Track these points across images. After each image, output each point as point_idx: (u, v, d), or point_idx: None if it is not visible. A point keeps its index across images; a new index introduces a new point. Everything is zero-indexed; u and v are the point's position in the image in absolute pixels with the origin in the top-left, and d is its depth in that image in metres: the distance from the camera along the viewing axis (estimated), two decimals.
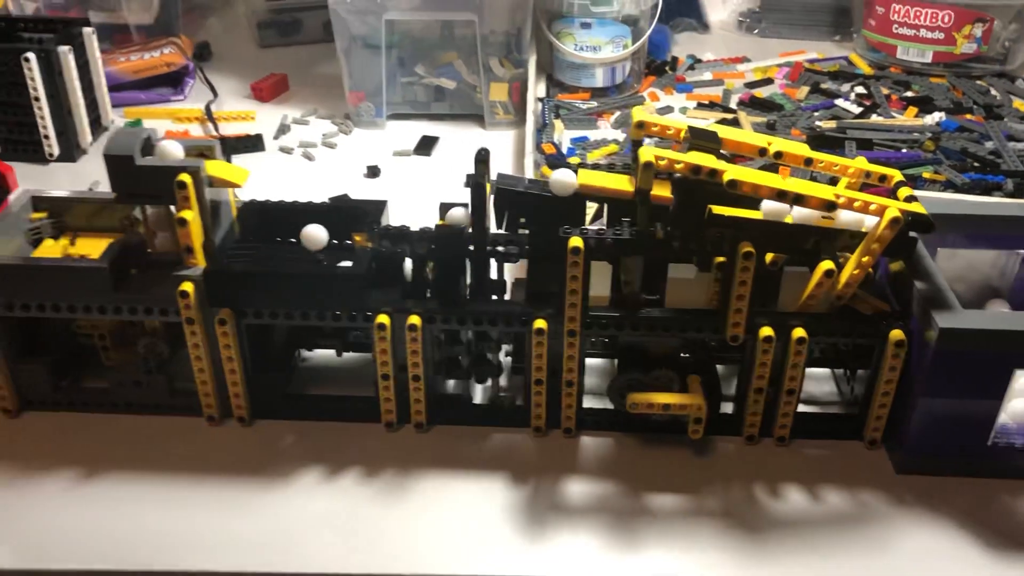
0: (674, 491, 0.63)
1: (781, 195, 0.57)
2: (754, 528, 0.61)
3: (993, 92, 1.17)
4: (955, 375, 0.59)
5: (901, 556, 0.59)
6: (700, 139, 0.61)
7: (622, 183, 0.63)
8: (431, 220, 0.67)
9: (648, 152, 0.58)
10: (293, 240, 0.70)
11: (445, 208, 0.66)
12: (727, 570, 0.58)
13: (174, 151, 0.63)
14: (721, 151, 0.61)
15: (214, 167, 0.63)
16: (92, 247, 0.69)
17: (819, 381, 0.72)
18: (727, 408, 0.68)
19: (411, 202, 0.70)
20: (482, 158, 0.62)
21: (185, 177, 0.60)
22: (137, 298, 0.63)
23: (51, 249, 0.69)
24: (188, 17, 1.37)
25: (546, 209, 0.63)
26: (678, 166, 0.58)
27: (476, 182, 0.61)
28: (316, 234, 0.63)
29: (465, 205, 0.65)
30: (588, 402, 0.68)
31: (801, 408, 0.66)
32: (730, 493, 0.63)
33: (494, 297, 0.67)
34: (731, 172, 0.57)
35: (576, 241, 0.59)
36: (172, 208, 0.64)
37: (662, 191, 0.61)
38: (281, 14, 1.37)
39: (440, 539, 0.60)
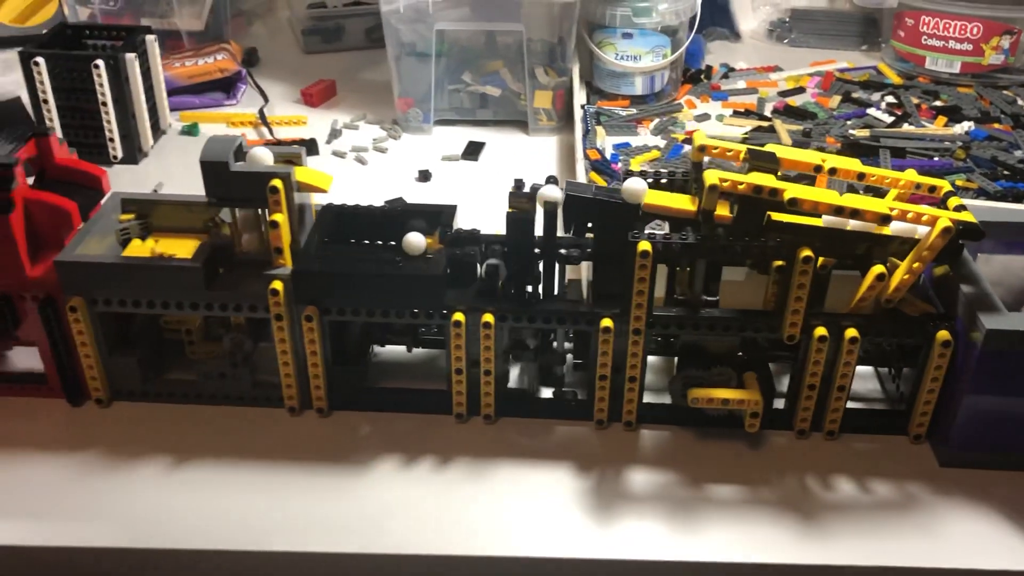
0: (730, 481, 0.67)
1: (839, 210, 0.61)
2: (806, 514, 0.65)
3: (1020, 102, 1.21)
4: (999, 374, 0.63)
5: (946, 541, 0.63)
6: (759, 160, 0.65)
7: (684, 203, 0.67)
8: (483, 221, 0.71)
9: (713, 175, 0.62)
10: (367, 241, 0.74)
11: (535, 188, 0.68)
12: (782, 550, 0.62)
13: (264, 157, 0.67)
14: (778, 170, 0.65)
15: (302, 173, 0.67)
16: (177, 247, 0.73)
17: (865, 379, 0.76)
18: (779, 404, 0.72)
19: (462, 205, 0.74)
20: (520, 192, 0.66)
21: (277, 182, 0.64)
22: (227, 295, 0.67)
23: (139, 249, 0.73)
24: (233, 23, 1.41)
25: (612, 214, 0.67)
26: (741, 187, 0.62)
27: (513, 219, 0.65)
28: (416, 241, 0.66)
29: (555, 180, 0.68)
30: (647, 397, 0.72)
31: (849, 404, 0.70)
32: (783, 483, 0.67)
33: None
34: (791, 191, 0.62)
35: (644, 245, 0.63)
36: (259, 211, 0.69)
37: (722, 211, 0.65)
38: (324, 21, 1.41)
39: (513, 522, 0.64)
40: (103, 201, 0.73)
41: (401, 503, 0.65)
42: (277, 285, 0.66)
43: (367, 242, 0.74)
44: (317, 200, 0.73)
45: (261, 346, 0.72)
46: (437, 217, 0.73)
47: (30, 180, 0.71)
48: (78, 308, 0.67)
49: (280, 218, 0.65)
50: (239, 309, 0.68)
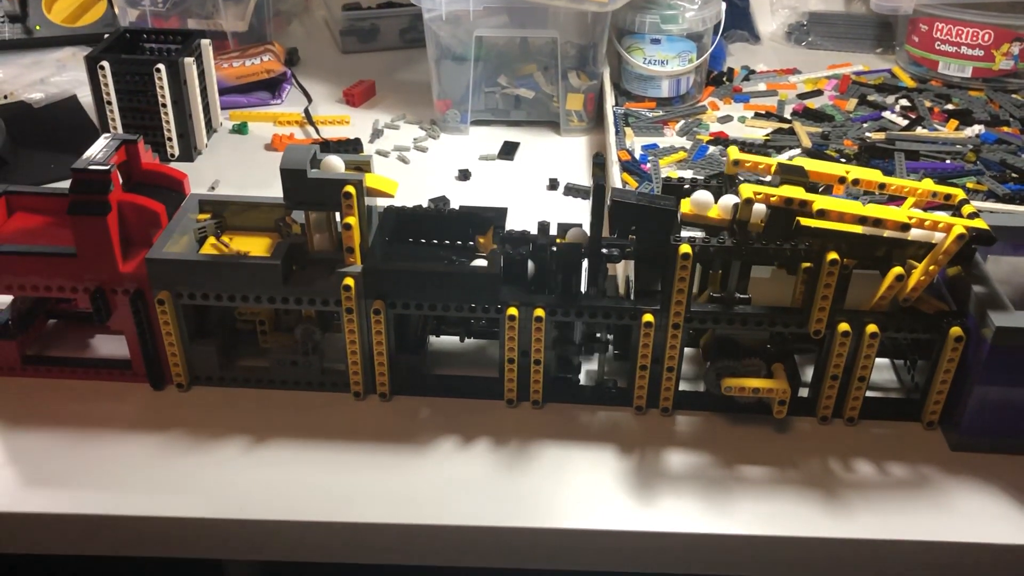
0: (758, 462, 0.74)
1: (862, 220, 0.68)
2: (828, 492, 0.71)
3: None
4: (1006, 367, 0.70)
5: (956, 518, 0.69)
6: (789, 173, 0.71)
7: (718, 212, 0.73)
8: (522, 219, 0.78)
9: (747, 189, 0.69)
10: (424, 241, 0.81)
11: (564, 228, 0.76)
12: (806, 524, 0.68)
13: (337, 164, 0.73)
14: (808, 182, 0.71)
15: (370, 179, 0.73)
16: (250, 244, 0.79)
17: (882, 370, 0.82)
18: (803, 392, 0.78)
19: (500, 202, 0.80)
20: (600, 162, 0.72)
21: (351, 188, 0.70)
22: (302, 290, 0.74)
23: (214, 246, 0.80)
24: (275, 23, 1.47)
25: (655, 218, 0.73)
26: (773, 199, 0.69)
27: (597, 184, 0.71)
28: (334, 164, 0.73)
29: (579, 225, 0.75)
30: (681, 385, 0.78)
31: (868, 393, 0.76)
32: (807, 464, 0.73)
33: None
34: (819, 202, 0.68)
35: (685, 248, 0.69)
36: (329, 213, 0.75)
37: (754, 221, 0.71)
38: (359, 21, 1.47)
39: (562, 498, 0.70)
40: (183, 203, 0.80)
41: (458, 480, 0.71)
42: (349, 281, 0.72)
43: (423, 241, 0.80)
44: (379, 202, 0.80)
45: (328, 336, 0.78)
46: (490, 219, 0.79)
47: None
48: (165, 301, 0.74)
49: (353, 221, 0.71)
50: (312, 303, 0.74)
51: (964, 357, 0.72)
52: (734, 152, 0.74)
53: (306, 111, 1.23)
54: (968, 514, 0.69)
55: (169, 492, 0.70)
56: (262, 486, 0.71)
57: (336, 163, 0.73)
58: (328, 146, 1.14)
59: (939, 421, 0.76)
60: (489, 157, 1.16)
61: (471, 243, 0.80)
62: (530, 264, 0.76)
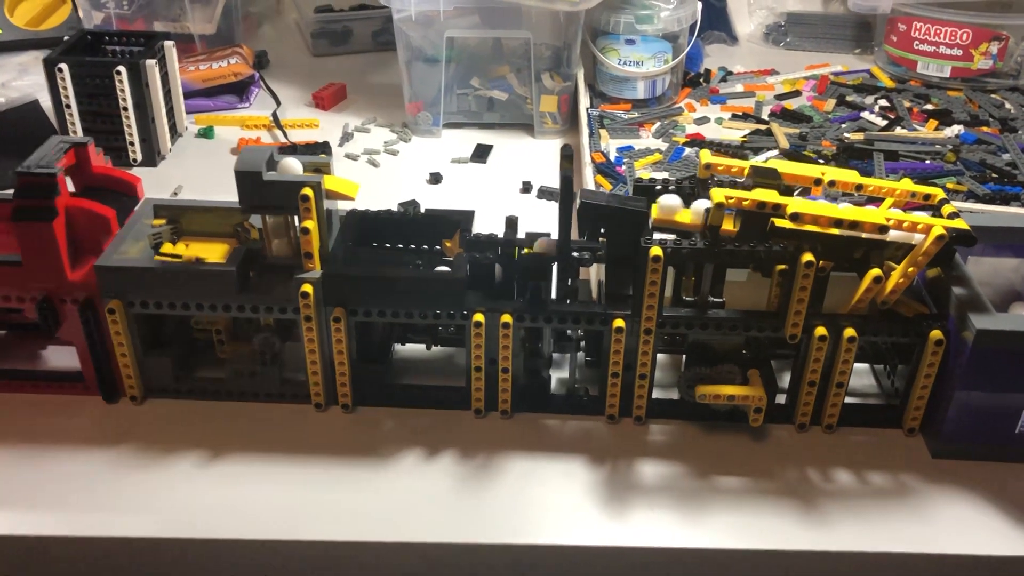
0: (734, 472, 0.71)
1: (838, 223, 0.65)
2: (807, 502, 0.68)
3: (1008, 106, 1.25)
4: (988, 371, 0.67)
5: (937, 526, 0.67)
6: (762, 176, 0.69)
7: (690, 217, 0.71)
8: (494, 222, 0.75)
9: (719, 193, 0.66)
10: (388, 245, 0.78)
11: (533, 237, 0.74)
12: (784, 536, 0.66)
13: (294, 167, 0.70)
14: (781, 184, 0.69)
15: (330, 181, 0.71)
16: (207, 251, 0.76)
17: (861, 375, 0.80)
18: (780, 399, 0.76)
19: (472, 206, 0.77)
20: (568, 154, 0.69)
21: (308, 191, 0.68)
22: (258, 298, 0.71)
23: (170, 252, 0.77)
24: (244, 25, 1.44)
25: (625, 221, 0.70)
26: (746, 203, 0.66)
27: (566, 176, 0.68)
28: (293, 166, 0.71)
29: (548, 234, 0.72)
30: (655, 393, 0.76)
31: (847, 399, 0.74)
32: (784, 473, 0.71)
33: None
34: (793, 205, 0.65)
35: (656, 250, 0.67)
36: (287, 217, 0.72)
37: (726, 225, 0.69)
38: (331, 24, 1.44)
39: (531, 513, 0.67)
40: (137, 207, 0.77)
41: (423, 494, 0.69)
42: (307, 288, 0.69)
43: (388, 246, 0.78)
44: (341, 205, 0.77)
45: (288, 345, 0.75)
46: (456, 222, 0.76)
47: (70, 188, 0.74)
48: (116, 310, 0.71)
49: (311, 225, 0.69)
50: (269, 311, 0.71)
51: (945, 361, 0.69)
52: (706, 155, 0.72)
53: (274, 114, 1.20)
54: (950, 524, 0.67)
55: (118, 511, 0.67)
56: (217, 503, 0.67)
57: (294, 165, 0.71)
58: (295, 150, 1.11)
59: (920, 428, 0.73)
60: (461, 160, 1.13)
61: (437, 247, 0.78)
62: (497, 268, 0.73)
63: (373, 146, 1.16)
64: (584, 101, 1.20)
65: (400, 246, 0.78)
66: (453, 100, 1.20)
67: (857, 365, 0.80)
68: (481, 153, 1.14)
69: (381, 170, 1.12)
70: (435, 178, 1.09)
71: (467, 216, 0.76)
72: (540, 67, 1.16)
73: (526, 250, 0.74)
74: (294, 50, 1.45)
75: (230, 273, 0.70)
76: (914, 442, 0.74)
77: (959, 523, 0.67)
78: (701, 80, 1.33)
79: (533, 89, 1.17)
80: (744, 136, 1.16)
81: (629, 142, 1.15)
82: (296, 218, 0.70)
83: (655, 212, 0.72)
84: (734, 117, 1.23)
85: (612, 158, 1.11)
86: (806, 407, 0.73)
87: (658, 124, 1.20)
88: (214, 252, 0.75)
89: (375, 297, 0.70)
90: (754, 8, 1.51)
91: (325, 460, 0.71)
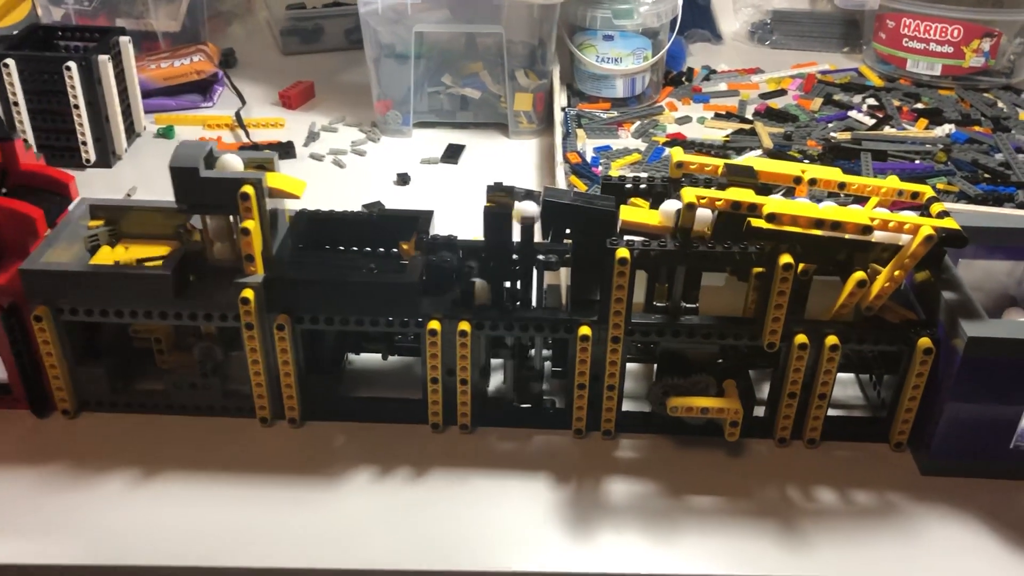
0: (710, 491, 0.66)
1: (819, 223, 0.61)
2: (787, 524, 0.64)
3: (1000, 104, 1.21)
4: (980, 382, 0.63)
5: (927, 549, 0.62)
6: (737, 175, 0.64)
7: (662, 220, 0.66)
8: (462, 226, 0.70)
9: (690, 193, 0.61)
10: (342, 248, 0.73)
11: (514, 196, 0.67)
12: (763, 561, 0.61)
13: (234, 163, 0.66)
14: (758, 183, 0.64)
15: (274, 179, 0.66)
16: (147, 254, 0.72)
17: (845, 385, 0.75)
18: (759, 411, 0.71)
19: (441, 209, 0.73)
20: (500, 190, 0.65)
21: (248, 189, 0.63)
22: (197, 304, 0.66)
23: (108, 256, 0.72)
24: (211, 24, 1.39)
25: (591, 221, 0.65)
26: (719, 203, 0.61)
27: (494, 213, 0.64)
28: (232, 163, 0.66)
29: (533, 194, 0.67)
30: (626, 405, 0.71)
31: (830, 412, 0.69)
32: (763, 492, 0.66)
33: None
34: (770, 205, 0.61)
35: (623, 252, 0.62)
36: (231, 218, 0.67)
37: (701, 227, 0.64)
38: (303, 21, 1.39)
39: (489, 536, 0.62)
40: (71, 207, 0.72)
41: (375, 516, 0.64)
42: (248, 294, 0.64)
43: (342, 248, 0.73)
44: (291, 206, 0.72)
45: (233, 355, 0.70)
46: (414, 222, 0.71)
47: None
48: (43, 317, 0.66)
49: (251, 225, 0.64)
50: (209, 318, 0.66)
51: (934, 371, 0.65)
52: (678, 153, 0.67)
53: (237, 114, 1.15)
54: (940, 547, 0.62)
55: (47, 535, 0.62)
56: (151, 527, 0.62)
57: (233, 161, 0.66)
58: (258, 150, 1.06)
59: (908, 442, 0.69)
60: (431, 161, 1.09)
61: (394, 250, 0.73)
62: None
63: (340, 146, 1.11)
64: (561, 100, 1.15)
65: (354, 249, 0.73)
66: (424, 98, 1.15)
67: (841, 375, 0.75)
68: (452, 153, 1.10)
69: (347, 171, 1.07)
70: (403, 179, 1.04)
71: (425, 216, 0.72)
72: (514, 64, 1.12)
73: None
74: (264, 49, 1.40)
75: (165, 277, 0.65)
76: (902, 458, 0.69)
77: (950, 545, 0.62)
78: (683, 79, 1.29)
79: (507, 87, 1.12)
80: (727, 136, 1.12)
81: (607, 142, 1.11)
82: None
83: (626, 215, 0.67)
84: (717, 116, 1.18)
85: (589, 159, 1.06)
86: (786, 420, 0.68)
87: (638, 124, 1.15)
88: (154, 255, 0.70)
89: (322, 303, 0.65)
90: (739, 6, 1.46)
91: (270, 479, 0.66)
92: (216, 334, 0.70)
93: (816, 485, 0.67)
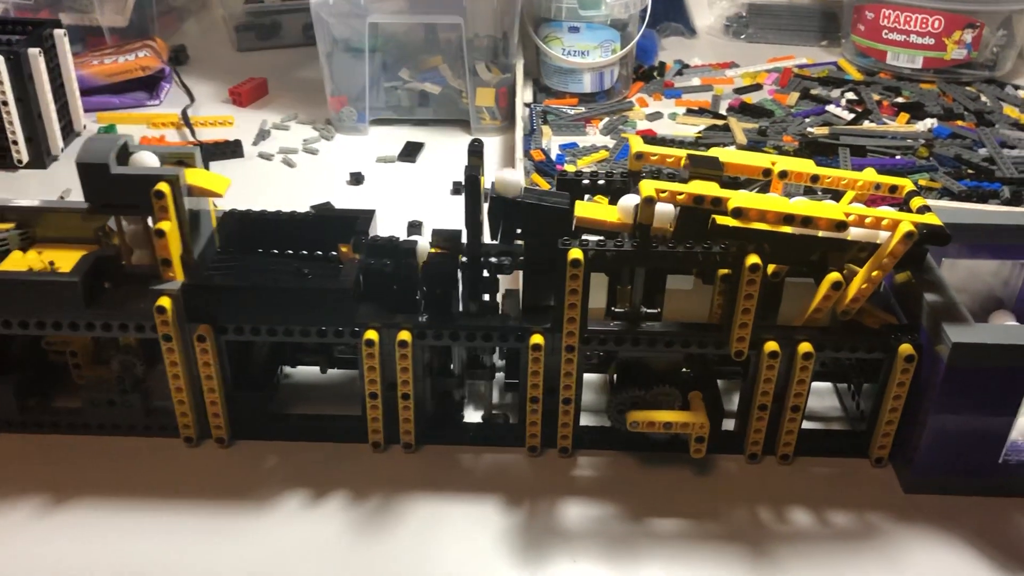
0: (675, 512, 0.61)
1: (789, 219, 0.55)
2: (758, 549, 0.58)
3: (983, 98, 1.16)
4: (967, 391, 0.57)
5: (910, 572, 0.57)
6: (701, 167, 0.59)
7: (616, 215, 0.61)
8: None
9: (649, 186, 0.56)
10: (276, 251, 0.67)
11: (440, 235, 0.62)
12: None
13: (150, 160, 0.60)
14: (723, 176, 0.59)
15: (193, 176, 0.60)
16: (63, 260, 0.66)
17: (821, 396, 0.70)
18: (728, 425, 0.65)
19: (397, 210, 0.67)
20: (476, 149, 0.59)
21: (163, 186, 0.57)
22: (111, 313, 0.60)
23: (19, 262, 0.66)
24: (164, 20, 1.33)
25: (543, 219, 0.60)
26: (680, 197, 0.56)
27: (470, 175, 0.58)
28: (146, 160, 0.60)
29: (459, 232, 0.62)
30: (585, 419, 0.66)
31: (805, 424, 0.64)
32: (733, 514, 0.61)
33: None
34: (735, 199, 0.55)
35: (576, 253, 0.56)
36: (149, 219, 0.61)
37: (661, 224, 0.59)
38: (260, 17, 1.34)
39: (431, 567, 0.57)
40: None
41: (310, 543, 0.58)
42: (164, 302, 0.58)
43: (276, 252, 0.67)
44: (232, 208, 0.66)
45: (157, 369, 0.64)
46: (353, 223, 0.66)
47: None
48: None
49: (167, 226, 0.58)
50: (124, 328, 0.60)
51: (916, 380, 0.59)
52: (637, 143, 0.62)
53: (184, 112, 1.09)
54: (925, 569, 0.57)
55: None
56: (58, 560, 0.57)
57: (148, 157, 0.60)
58: (202, 149, 1.00)
59: (889, 457, 0.63)
60: (388, 159, 1.03)
61: (333, 253, 0.67)
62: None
63: (291, 145, 1.05)
64: (526, 94, 1.10)
65: (289, 252, 0.67)
66: (380, 94, 1.09)
67: (817, 385, 0.70)
68: (410, 151, 1.04)
69: (298, 171, 1.01)
70: (356, 179, 0.98)
71: (365, 216, 0.66)
72: (475, 57, 1.06)
73: (432, 250, 0.63)
74: (218, 45, 1.34)
75: (73, 285, 0.59)
76: (883, 474, 0.63)
77: (936, 570, 0.57)
78: (655, 73, 1.23)
79: (468, 82, 1.07)
80: (699, 132, 1.06)
81: (574, 139, 1.05)
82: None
83: (582, 211, 0.62)
84: (689, 112, 1.13)
85: (554, 156, 1.00)
86: (757, 435, 0.63)
87: (606, 120, 1.10)
88: (70, 261, 0.64)
89: (248, 312, 0.60)
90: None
91: (195, 505, 0.60)
92: (137, 346, 0.64)
93: (790, 505, 0.61)
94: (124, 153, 0.59)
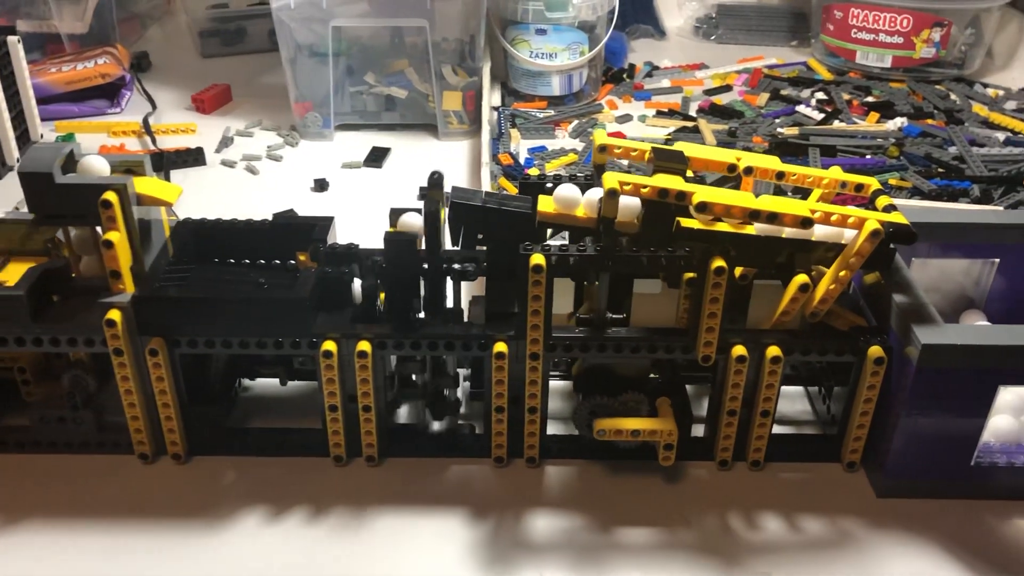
0: (644, 522, 0.59)
1: (754, 215, 0.54)
2: (730, 558, 0.57)
3: (953, 96, 1.16)
4: (937, 393, 0.56)
5: None
6: (666, 160, 0.57)
7: (583, 211, 0.60)
8: (381, 235, 0.63)
9: (612, 178, 0.55)
10: (232, 260, 0.65)
11: (396, 213, 0.62)
12: None
13: (99, 167, 0.58)
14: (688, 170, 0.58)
15: (143, 184, 0.58)
16: (11, 273, 0.64)
17: (792, 399, 0.69)
18: (698, 430, 0.64)
19: (362, 217, 0.65)
20: (436, 182, 0.58)
21: (111, 196, 0.55)
22: (59, 328, 0.58)
23: None
24: (126, 26, 1.31)
25: (504, 224, 0.59)
26: (644, 190, 0.55)
27: (430, 210, 0.57)
28: (96, 165, 0.58)
29: (418, 210, 0.60)
30: (552, 428, 0.64)
31: (775, 429, 0.62)
32: (703, 522, 0.59)
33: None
34: (700, 194, 0.54)
35: (538, 259, 0.55)
36: (98, 229, 0.59)
37: (626, 218, 0.57)
38: (224, 23, 1.32)
39: None
40: None
41: (269, 561, 0.56)
42: (114, 315, 0.56)
43: (232, 261, 0.65)
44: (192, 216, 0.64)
45: (109, 385, 0.62)
46: (311, 231, 0.64)
47: None
48: None
49: (115, 237, 0.56)
50: (74, 343, 0.58)
51: (887, 382, 0.58)
52: (600, 136, 0.60)
53: (145, 119, 1.07)
54: (898, 574, 0.56)
55: None
56: None
57: (97, 165, 0.58)
58: (163, 157, 0.98)
59: (861, 461, 0.62)
60: (354, 165, 1.01)
61: (291, 262, 0.65)
62: (356, 284, 0.61)
63: (255, 152, 1.03)
64: (493, 98, 1.08)
65: (246, 261, 0.65)
66: (346, 99, 1.07)
67: (787, 389, 0.69)
68: (376, 157, 1.02)
69: (261, 178, 0.99)
70: (320, 185, 0.96)
71: (323, 224, 0.64)
72: (441, 61, 1.05)
73: (390, 229, 0.61)
74: (182, 52, 1.32)
75: (18, 299, 0.57)
76: (855, 479, 0.62)
77: (909, 573, 0.56)
78: (624, 76, 1.22)
79: (435, 85, 1.05)
80: (669, 134, 1.05)
81: (543, 142, 1.04)
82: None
83: (546, 205, 0.60)
84: (659, 114, 1.12)
85: (522, 160, 0.99)
86: (727, 441, 0.62)
87: (576, 123, 1.09)
88: (18, 275, 0.62)
89: (201, 324, 0.58)
90: (683, 0, 1.41)
91: (153, 523, 0.59)
92: (88, 361, 0.62)
93: (761, 511, 0.60)
94: (71, 161, 0.57)
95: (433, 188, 0.58)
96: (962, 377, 0.56)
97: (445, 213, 0.60)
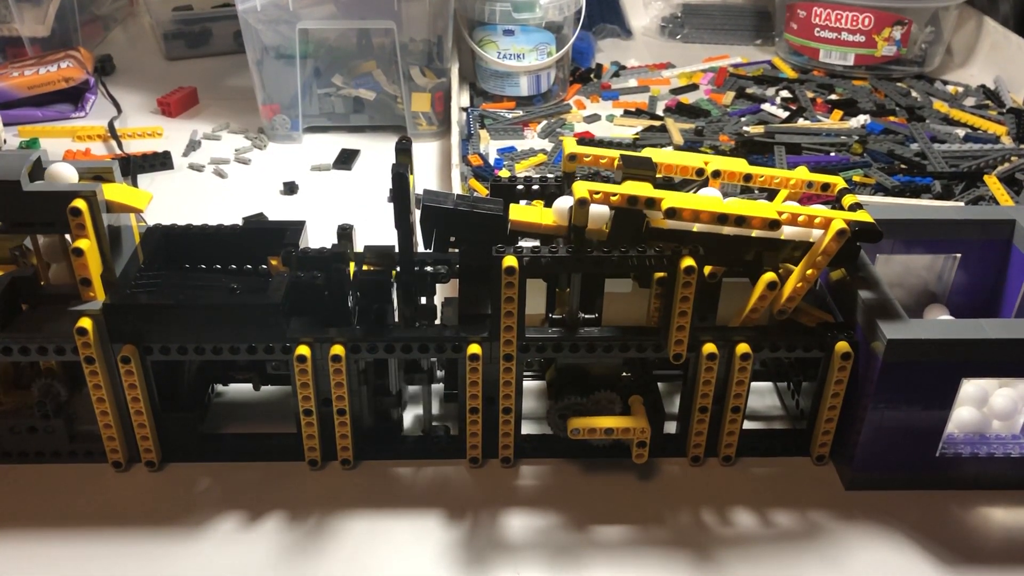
0: (619, 519, 0.60)
1: (722, 218, 0.55)
2: (703, 552, 0.58)
3: (914, 94, 1.18)
4: (902, 386, 0.58)
5: (853, 568, 0.57)
6: (634, 167, 0.58)
7: (551, 217, 0.60)
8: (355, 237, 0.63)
9: (582, 187, 0.55)
10: (204, 266, 0.65)
11: (371, 251, 0.61)
12: None
13: (67, 174, 0.57)
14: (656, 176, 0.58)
15: (112, 191, 0.58)
16: None
17: (762, 395, 0.70)
18: (670, 427, 0.65)
19: (332, 219, 0.65)
20: (403, 147, 0.58)
21: (80, 203, 0.55)
22: (27, 336, 0.57)
23: None
24: (88, 29, 1.30)
25: (476, 226, 0.59)
26: (614, 198, 0.55)
27: (398, 172, 0.57)
28: (64, 172, 0.58)
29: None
30: (526, 427, 0.65)
31: (746, 425, 0.63)
32: (677, 517, 0.60)
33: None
34: (669, 200, 0.55)
35: (510, 260, 0.55)
36: (67, 236, 0.59)
37: (596, 225, 0.58)
38: (189, 24, 1.31)
39: None
40: None
41: (245, 567, 0.56)
42: (85, 323, 0.56)
43: (203, 267, 0.65)
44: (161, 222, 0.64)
45: (81, 393, 0.62)
46: (282, 235, 0.64)
47: None
48: None
49: (85, 244, 0.56)
50: (44, 352, 0.58)
51: (854, 377, 0.60)
52: (570, 144, 0.61)
53: (110, 123, 1.06)
54: (868, 566, 0.57)
55: None
56: None
57: (65, 172, 0.57)
58: (130, 161, 0.97)
59: (830, 455, 0.63)
60: (323, 167, 1.01)
61: (263, 267, 0.65)
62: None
63: (223, 155, 1.02)
64: (462, 99, 1.09)
65: (218, 267, 0.65)
66: (314, 101, 1.07)
67: (758, 384, 0.70)
68: (345, 159, 1.02)
69: (229, 181, 0.99)
70: (290, 188, 0.96)
71: (295, 228, 0.64)
72: (409, 62, 1.05)
73: (365, 267, 0.62)
74: (146, 54, 1.31)
75: None
76: (824, 472, 0.64)
77: (878, 564, 0.57)
78: (592, 76, 1.23)
79: (403, 87, 1.05)
80: (636, 134, 1.06)
81: (512, 143, 1.04)
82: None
83: (517, 214, 0.61)
84: (626, 114, 1.13)
85: (492, 160, 1.00)
86: (699, 437, 0.62)
87: (544, 123, 1.09)
88: None
89: (173, 330, 0.57)
90: (649, 0, 1.42)
91: (127, 530, 0.58)
92: (58, 370, 0.61)
93: (734, 506, 0.61)
94: (38, 168, 0.57)
95: (401, 152, 0.58)
96: (926, 370, 0.57)
97: (417, 215, 0.60)
